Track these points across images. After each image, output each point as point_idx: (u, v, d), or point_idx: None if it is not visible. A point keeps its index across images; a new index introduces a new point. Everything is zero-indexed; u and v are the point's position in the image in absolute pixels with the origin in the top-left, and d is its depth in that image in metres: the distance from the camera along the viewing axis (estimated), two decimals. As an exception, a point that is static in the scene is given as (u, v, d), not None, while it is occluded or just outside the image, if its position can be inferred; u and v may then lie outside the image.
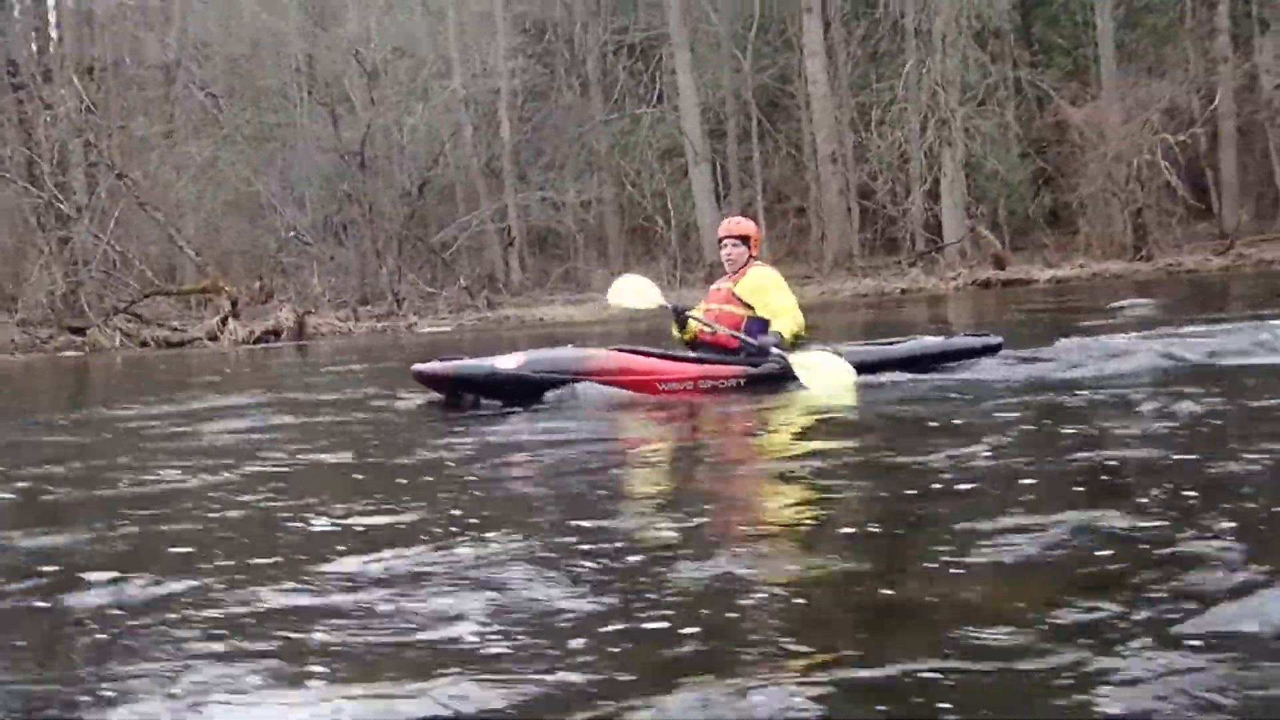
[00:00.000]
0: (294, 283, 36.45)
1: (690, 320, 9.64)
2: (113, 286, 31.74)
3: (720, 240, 9.82)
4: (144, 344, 28.63)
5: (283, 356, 22.72)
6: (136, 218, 33.05)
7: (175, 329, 30.10)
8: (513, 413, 8.48)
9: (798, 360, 9.05)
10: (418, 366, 9.46)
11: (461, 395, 9.15)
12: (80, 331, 29.49)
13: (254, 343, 27.54)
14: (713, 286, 10.01)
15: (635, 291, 10.27)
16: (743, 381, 9.13)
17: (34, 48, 35.55)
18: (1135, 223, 34.92)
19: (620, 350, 9.44)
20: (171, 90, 42.22)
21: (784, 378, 9.06)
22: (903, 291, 32.77)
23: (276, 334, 28.09)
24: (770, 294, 9.47)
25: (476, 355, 9.71)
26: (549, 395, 8.83)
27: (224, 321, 28.81)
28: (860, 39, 40.42)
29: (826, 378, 8.93)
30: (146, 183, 34.55)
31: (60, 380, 20.01)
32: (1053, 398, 7.93)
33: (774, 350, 9.13)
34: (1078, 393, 7.94)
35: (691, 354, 9.49)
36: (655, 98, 42.72)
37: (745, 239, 9.71)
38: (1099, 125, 35.25)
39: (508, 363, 9.10)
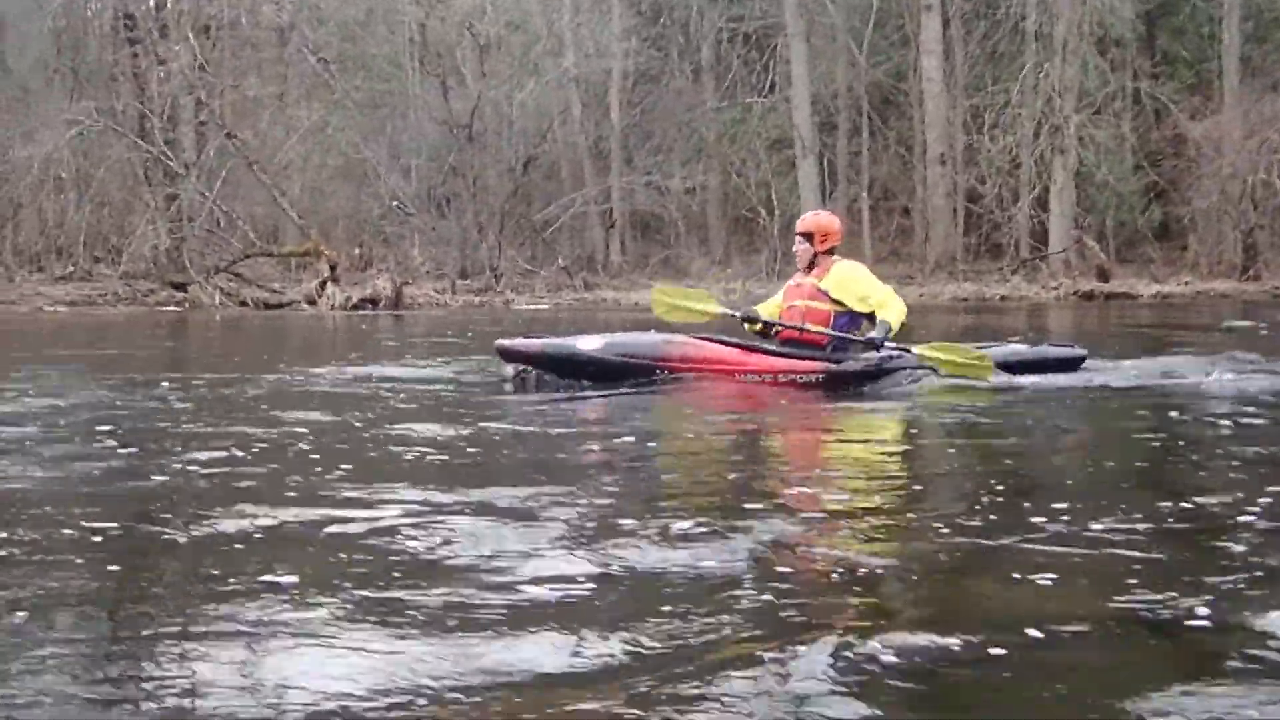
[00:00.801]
0: (394, 252, 36.70)
1: (762, 319, 9.55)
2: (215, 245, 32.12)
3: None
4: (243, 304, 28.93)
5: (379, 324, 22.83)
6: (243, 178, 33.41)
7: (274, 290, 30.38)
8: (593, 395, 8.55)
9: (925, 352, 9.17)
10: (502, 342, 9.45)
11: (523, 379, 9.19)
12: (181, 287, 29.84)
13: (350, 309, 27.72)
14: (791, 282, 9.83)
15: (683, 304, 9.93)
16: (822, 377, 9.09)
17: (152, 3, 35.84)
18: (1246, 242, 34.31)
19: (703, 338, 9.35)
20: (284, 53, 42.46)
21: (866, 376, 9.13)
22: (1003, 298, 32.38)
23: (374, 302, 28.24)
24: (864, 286, 9.37)
25: (561, 335, 9.78)
26: None
27: (322, 286, 29.01)
28: (979, 39, 39.82)
29: (966, 366, 9.11)
30: (255, 143, 34.87)
31: (159, 334, 20.18)
32: (1129, 409, 7.89)
33: (889, 345, 9.11)
34: (1154, 408, 7.85)
35: (772, 347, 9.40)
36: (767, 87, 42.41)
37: (809, 235, 9.57)
38: (1217, 140, 34.58)
39: (589, 344, 9.16)
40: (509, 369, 9.31)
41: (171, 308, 28.46)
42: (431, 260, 35.71)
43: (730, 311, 9.72)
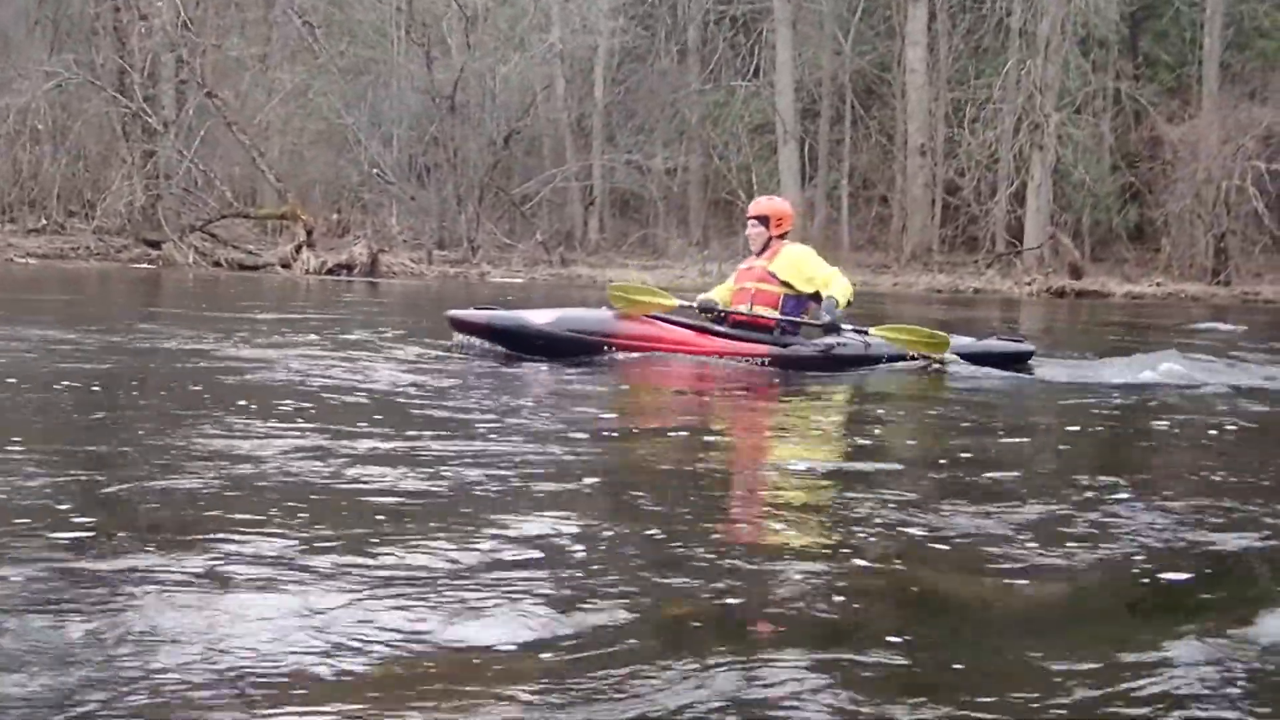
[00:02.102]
0: (372, 220, 36.62)
1: (718, 308, 9.65)
2: (191, 204, 31.99)
3: (747, 218, 9.86)
4: (217, 264, 28.85)
5: (352, 291, 22.82)
6: (222, 138, 33.25)
7: (250, 252, 30.29)
8: (540, 368, 8.61)
9: (881, 333, 9.39)
10: (452, 312, 9.60)
11: (460, 343, 9.36)
12: (155, 245, 29.74)
13: (325, 273, 27.66)
14: (743, 265, 9.99)
15: (639, 299, 9.81)
16: (767, 360, 9.19)
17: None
18: (1218, 246, 34.47)
19: (653, 317, 9.44)
20: (269, 14, 42.27)
21: (812, 361, 9.25)
22: (976, 291, 32.51)
23: (349, 268, 28.20)
24: (810, 267, 9.51)
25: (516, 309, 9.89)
26: None
27: (298, 250, 28.95)
28: (964, 33, 39.91)
29: (922, 344, 9.35)
30: (235, 104, 34.72)
31: (133, 290, 20.16)
32: (1070, 404, 8.02)
33: (845, 326, 9.21)
34: (1094, 403, 7.98)
35: (721, 329, 9.49)
36: (752, 71, 42.45)
37: (765, 219, 9.68)
38: (1193, 144, 34.71)
39: (540, 318, 9.27)
40: (459, 337, 9.42)
41: (144, 265, 28.37)
42: (409, 230, 35.67)
43: (686, 303, 9.75)
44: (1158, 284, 33.40)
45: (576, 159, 40.86)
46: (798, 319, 9.43)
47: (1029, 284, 32.97)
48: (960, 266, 36.47)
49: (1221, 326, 18.46)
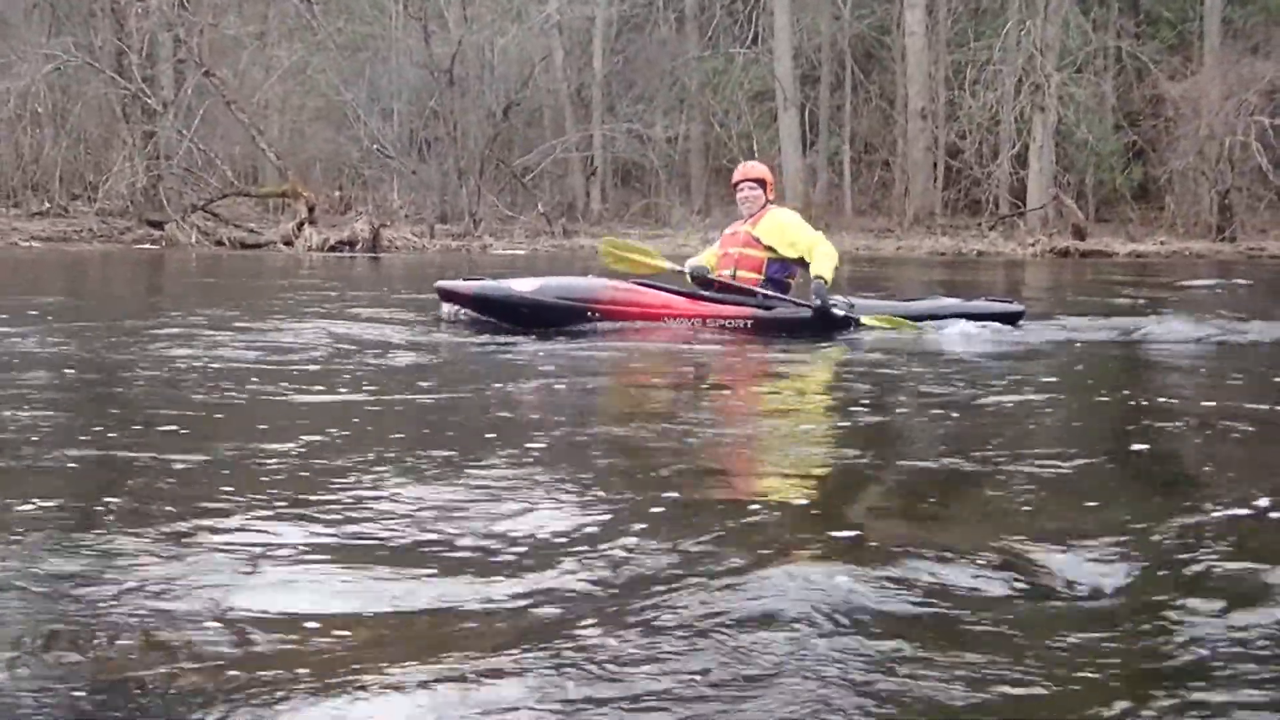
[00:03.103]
0: (373, 195, 36.60)
1: (708, 275, 9.63)
2: (193, 183, 31.95)
3: (736, 184, 9.82)
4: (219, 243, 28.84)
5: (355, 267, 22.86)
6: (222, 117, 33.21)
7: (251, 231, 30.29)
8: (526, 339, 8.57)
9: (870, 321, 9.35)
10: (441, 283, 9.78)
11: (449, 314, 9.50)
12: (158, 226, 29.74)
13: (327, 250, 27.67)
14: (727, 230, 10.01)
15: (630, 256, 9.98)
16: (750, 323, 9.23)
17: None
18: (1222, 203, 34.42)
19: (637, 283, 9.51)
20: (267, -8, 42.26)
21: (794, 323, 9.25)
22: (979, 254, 32.42)
23: (351, 244, 28.19)
24: (793, 232, 9.50)
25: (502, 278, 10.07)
26: None
27: (300, 227, 28.93)
28: (963, -6, 39.92)
29: (894, 325, 9.33)
30: (234, 83, 34.69)
31: (136, 271, 20.20)
32: (1060, 361, 8.04)
33: (835, 308, 9.23)
34: (1085, 360, 8.04)
35: (704, 293, 9.50)
36: (751, 39, 42.40)
37: (762, 182, 9.72)
38: (1195, 101, 34.62)
39: (525, 286, 9.39)
40: (446, 309, 9.54)
41: (148, 246, 28.37)
42: (411, 204, 35.66)
43: (677, 268, 9.75)
44: (1162, 242, 33.35)
45: (577, 129, 40.83)
46: (782, 280, 9.45)
47: (1032, 245, 32.90)
48: (963, 229, 36.45)
49: (1209, 283, 18.50)
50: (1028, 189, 36.81)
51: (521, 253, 29.52)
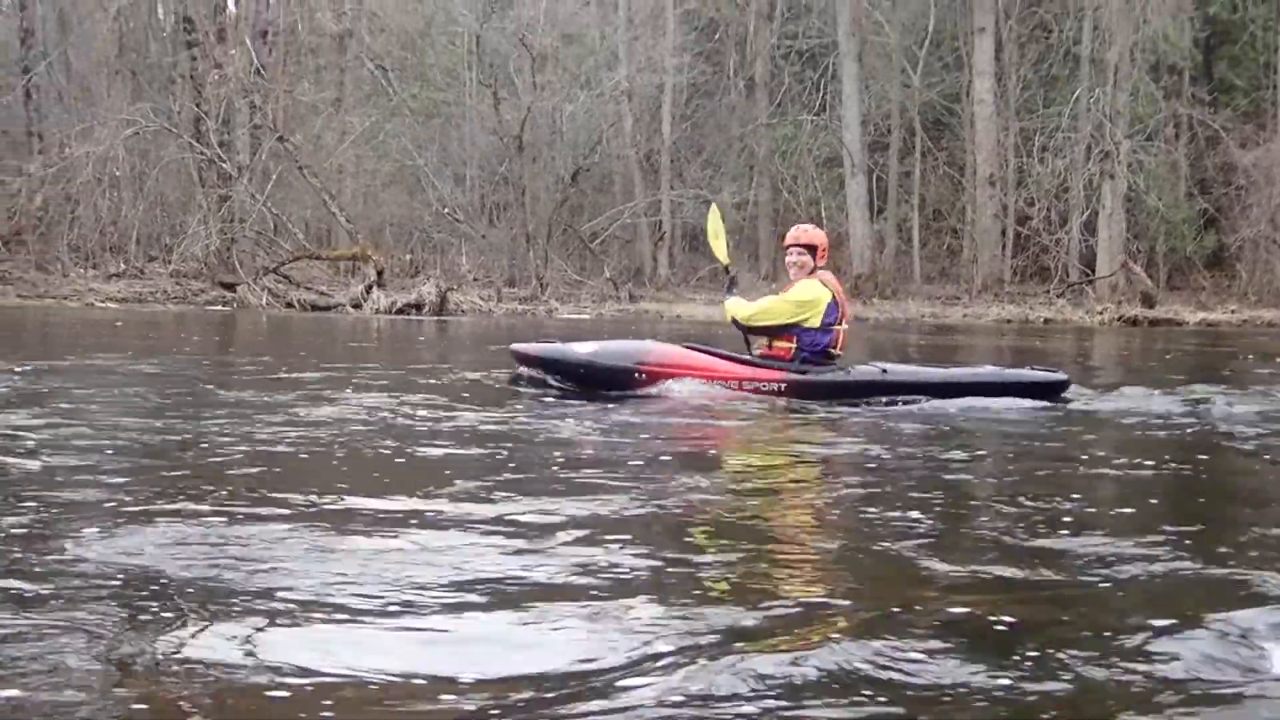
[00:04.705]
0: (442, 259, 36.94)
1: (730, 299, 9.96)
2: (265, 247, 32.44)
3: (786, 248, 9.94)
4: (289, 305, 29.22)
5: (422, 329, 23.08)
6: (296, 181, 33.72)
7: (321, 293, 30.64)
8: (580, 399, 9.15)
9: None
10: (515, 345, 10.53)
11: (523, 374, 10.25)
12: (230, 288, 30.19)
13: (395, 313, 27.95)
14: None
15: (717, 230, 10.69)
16: (783, 386, 9.42)
17: (213, 6, 36.33)
18: (1293, 271, 34.19)
19: (686, 347, 9.94)
20: (343, 59, 42.93)
21: (829, 388, 9.45)
22: (1046, 321, 32.21)
23: (418, 307, 28.46)
24: (789, 293, 9.66)
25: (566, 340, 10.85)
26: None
27: (369, 290, 29.26)
28: (1032, 62, 39.84)
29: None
30: (308, 147, 35.22)
31: (207, 331, 20.53)
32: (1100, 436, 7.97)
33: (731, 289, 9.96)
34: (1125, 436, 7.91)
35: (744, 356, 9.77)
36: (820, 105, 42.56)
37: (812, 249, 9.79)
38: (1268, 169, 34.46)
39: (584, 349, 10.00)
40: (520, 370, 10.32)
41: (220, 307, 28.80)
42: (479, 268, 35.97)
43: (730, 269, 10.55)
44: (1232, 310, 33.08)
45: (645, 195, 41.05)
46: (820, 346, 9.58)
47: (1100, 313, 32.73)
48: (1031, 296, 36.29)
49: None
50: (1097, 256, 36.65)
51: (586, 317, 29.68)
